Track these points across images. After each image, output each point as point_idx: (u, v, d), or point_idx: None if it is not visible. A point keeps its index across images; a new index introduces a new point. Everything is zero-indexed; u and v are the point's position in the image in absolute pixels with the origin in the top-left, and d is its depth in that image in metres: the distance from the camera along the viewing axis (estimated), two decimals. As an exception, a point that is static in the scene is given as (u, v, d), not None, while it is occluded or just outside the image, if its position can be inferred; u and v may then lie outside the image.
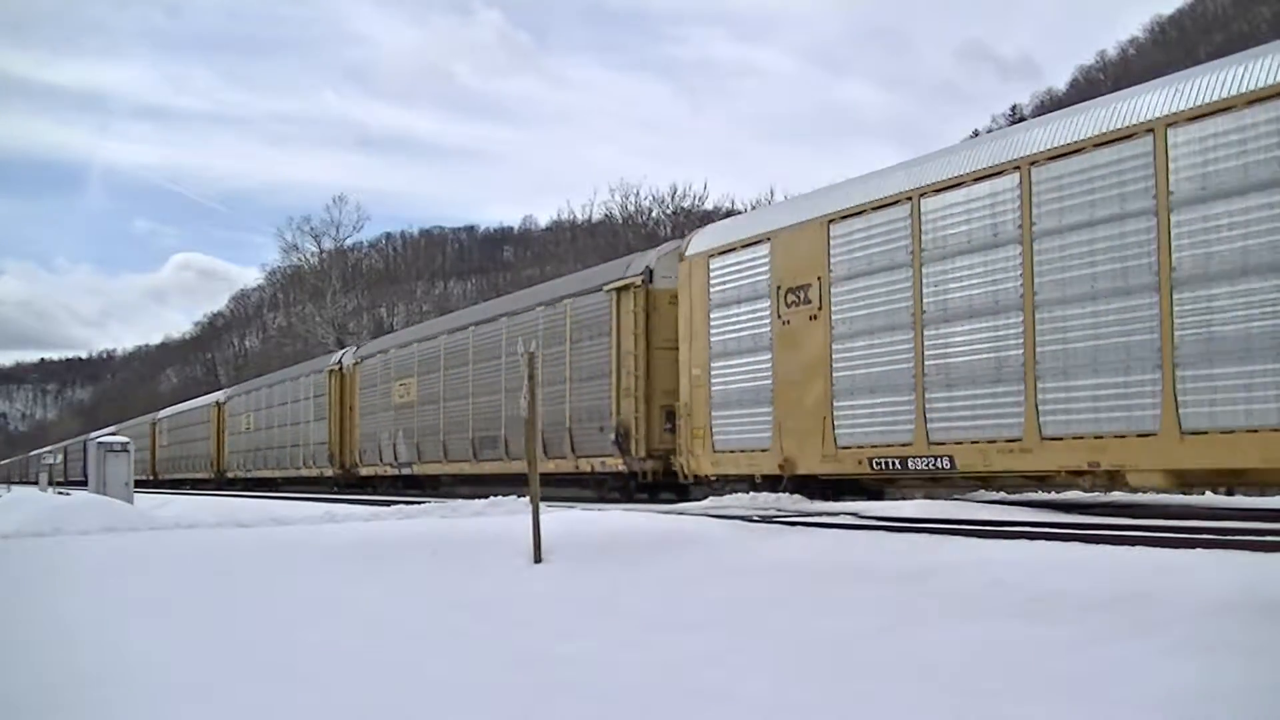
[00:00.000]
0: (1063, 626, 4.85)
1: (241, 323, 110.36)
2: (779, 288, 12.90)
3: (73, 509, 12.21)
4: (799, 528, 8.58)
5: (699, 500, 12.94)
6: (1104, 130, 9.48)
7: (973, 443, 10.48)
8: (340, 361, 28.38)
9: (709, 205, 47.56)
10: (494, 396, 19.88)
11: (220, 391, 43.79)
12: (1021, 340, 10.02)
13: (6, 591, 7.02)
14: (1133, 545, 6.34)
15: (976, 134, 48.18)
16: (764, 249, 13.23)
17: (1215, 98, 8.66)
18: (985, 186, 10.49)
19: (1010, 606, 5.30)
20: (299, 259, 63.92)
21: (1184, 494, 11.51)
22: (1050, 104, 65.11)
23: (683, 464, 14.51)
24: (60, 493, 19.08)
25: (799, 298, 12.60)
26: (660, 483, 15.66)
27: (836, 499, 12.14)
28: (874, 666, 4.57)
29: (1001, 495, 12.14)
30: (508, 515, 10.09)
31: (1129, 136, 9.26)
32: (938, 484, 11.64)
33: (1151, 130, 9.07)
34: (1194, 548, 6.01)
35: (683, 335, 14.64)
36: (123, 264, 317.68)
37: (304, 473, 30.08)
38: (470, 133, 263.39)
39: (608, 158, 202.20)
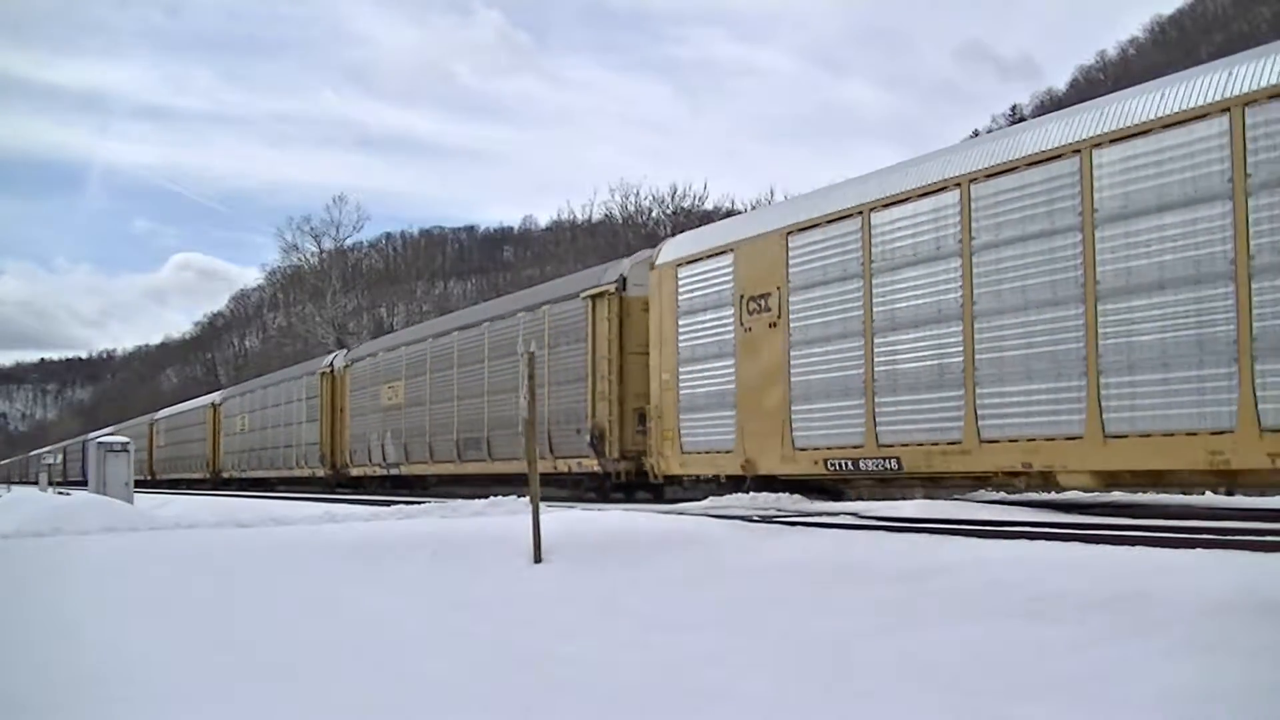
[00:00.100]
0: (1063, 626, 4.85)
1: (241, 323, 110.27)
2: (742, 296, 13.39)
3: (73, 509, 12.20)
4: (799, 528, 8.59)
5: (673, 499, 13.25)
6: (1036, 150, 10.00)
7: (918, 445, 10.99)
8: (331, 364, 28.96)
9: (709, 205, 47.57)
10: (477, 399, 20.48)
11: (216, 393, 44.14)
12: (962, 348, 10.53)
13: (7, 591, 7.02)
14: (1133, 545, 6.34)
15: (976, 134, 48.22)
16: (728, 259, 13.70)
17: (1135, 121, 9.20)
18: (929, 202, 10.99)
19: (1010, 606, 5.29)
20: (299, 259, 64.04)
21: (1183, 494, 11.55)
22: (1050, 104, 65.13)
23: (653, 464, 15.00)
24: (60, 493, 19.09)
25: (760, 306, 13.09)
26: (633, 482, 16.21)
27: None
28: (874, 666, 4.57)
29: (1001, 495, 12.16)
30: (508, 515, 10.09)
31: (1058, 157, 9.77)
32: (887, 484, 12.17)
33: (1079, 151, 9.57)
34: (1194, 548, 6.01)
35: (653, 341, 15.13)
36: (123, 264, 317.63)
37: (297, 473, 30.56)
38: (470, 133, 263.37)
39: (608, 158, 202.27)
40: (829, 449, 12.02)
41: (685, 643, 5.26)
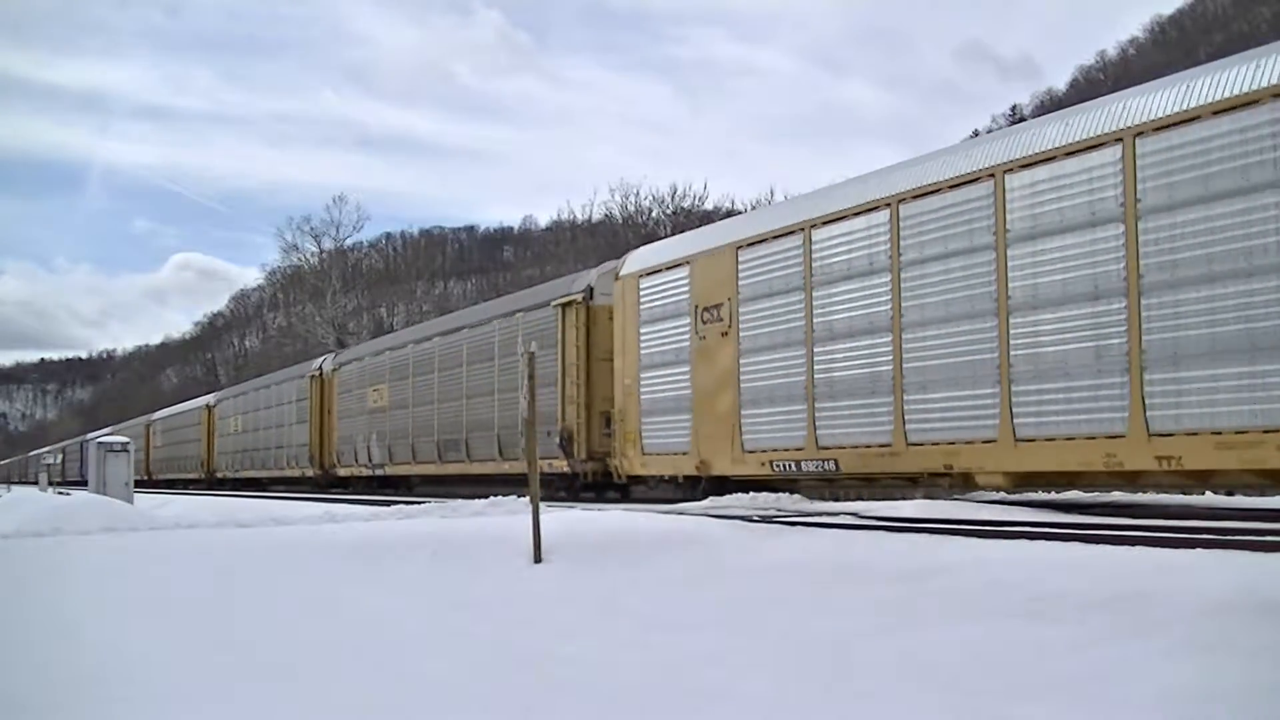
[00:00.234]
0: (1063, 626, 4.85)
1: (241, 323, 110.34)
2: (697, 307, 14.03)
3: (73, 509, 12.19)
4: (799, 528, 8.59)
5: (639, 499, 13.73)
6: (957, 174, 10.65)
7: (854, 447, 11.67)
8: (320, 367, 29.61)
9: (709, 205, 47.62)
10: (456, 403, 21.21)
11: (210, 395, 44.70)
12: (891, 357, 11.19)
13: (7, 591, 7.01)
14: (1133, 545, 6.34)
15: (976, 134, 48.22)
16: (685, 271, 14.37)
17: (1042, 149, 9.82)
18: (863, 220, 11.64)
19: (1010, 606, 5.29)
20: (299, 259, 64.03)
21: (1185, 494, 11.53)
22: (1050, 104, 65.17)
23: (617, 465, 15.69)
24: (60, 493, 19.08)
25: (713, 316, 13.76)
26: (600, 482, 16.84)
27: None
28: (874, 666, 4.57)
29: (1001, 495, 12.17)
30: (508, 515, 10.10)
31: (975, 180, 10.41)
32: (828, 484, 12.81)
33: (993, 175, 10.22)
34: (1194, 548, 6.00)
35: (617, 348, 15.82)
36: (122, 264, 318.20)
37: (287, 473, 31.13)
38: (470, 133, 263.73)
39: (608, 158, 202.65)
40: (774, 451, 12.67)
41: (685, 643, 5.26)
